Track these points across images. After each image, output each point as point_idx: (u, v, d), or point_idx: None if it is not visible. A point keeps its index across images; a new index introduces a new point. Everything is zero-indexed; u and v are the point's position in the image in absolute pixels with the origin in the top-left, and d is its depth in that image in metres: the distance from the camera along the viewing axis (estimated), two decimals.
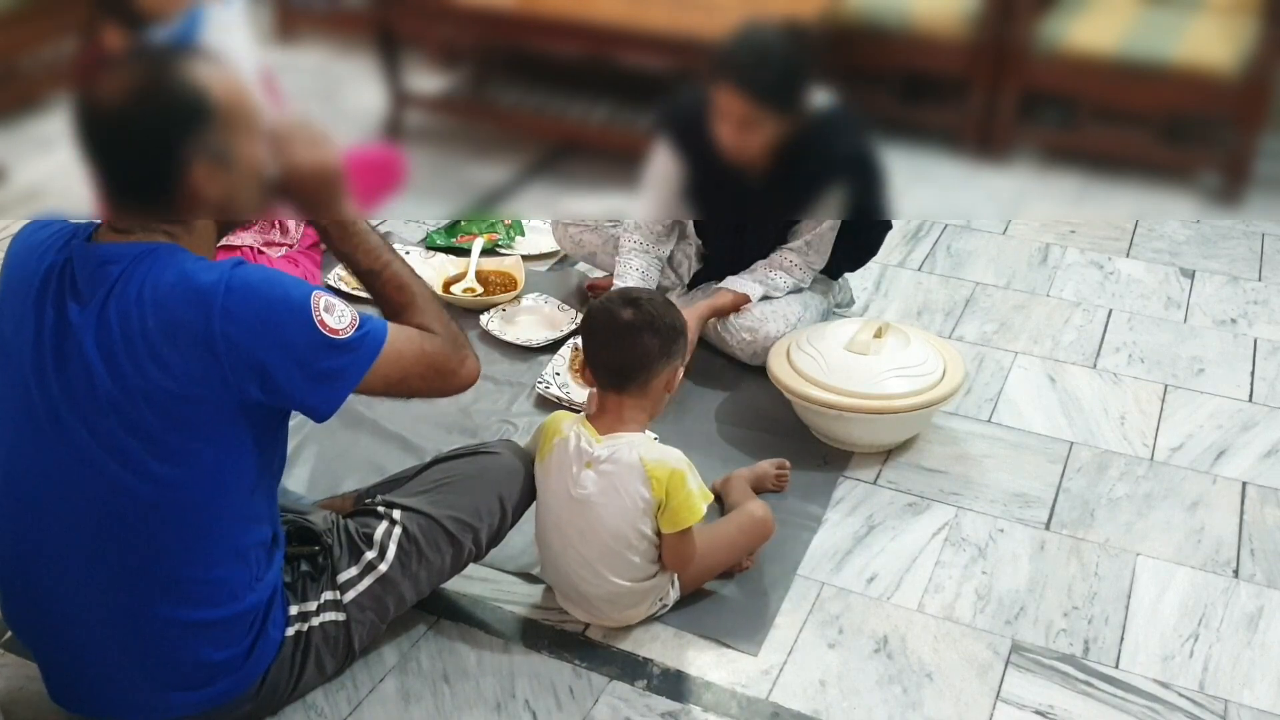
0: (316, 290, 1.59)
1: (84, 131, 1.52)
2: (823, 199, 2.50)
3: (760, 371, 2.57)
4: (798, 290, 2.69)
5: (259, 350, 1.53)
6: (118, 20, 2.43)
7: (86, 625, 1.63)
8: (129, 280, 1.52)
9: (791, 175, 2.49)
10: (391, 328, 1.66)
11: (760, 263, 2.66)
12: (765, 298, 2.64)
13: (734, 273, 2.69)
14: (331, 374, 1.59)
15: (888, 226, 2.79)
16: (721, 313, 2.65)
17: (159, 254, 1.55)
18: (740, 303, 2.64)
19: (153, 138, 1.50)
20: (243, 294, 1.52)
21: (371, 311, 1.71)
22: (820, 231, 2.61)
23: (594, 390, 1.99)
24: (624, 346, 1.89)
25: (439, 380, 1.71)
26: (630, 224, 2.71)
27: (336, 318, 1.59)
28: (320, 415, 1.62)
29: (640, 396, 1.92)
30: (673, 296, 2.74)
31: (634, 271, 2.67)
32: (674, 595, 2.02)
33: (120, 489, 1.56)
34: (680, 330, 1.94)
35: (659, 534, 1.91)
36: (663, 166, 2.60)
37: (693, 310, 2.60)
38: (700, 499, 1.89)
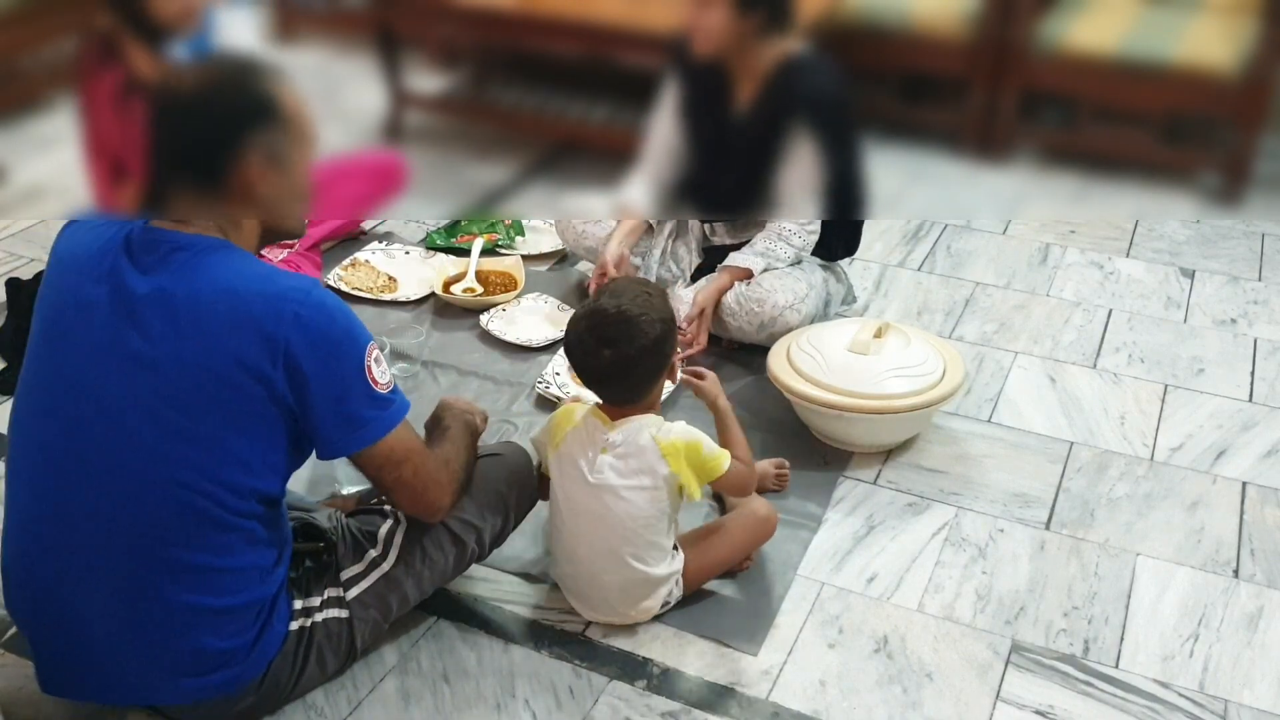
0: (372, 340, 1.69)
1: (158, 103, 1.61)
2: (794, 138, 2.52)
3: (760, 371, 2.57)
4: (798, 261, 2.70)
5: (308, 365, 1.59)
6: (137, 32, 2.44)
7: (94, 605, 1.64)
8: (201, 266, 1.59)
9: (765, 107, 2.55)
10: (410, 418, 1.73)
11: (757, 236, 2.69)
12: (767, 269, 2.67)
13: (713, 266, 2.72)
14: (358, 421, 1.67)
15: (865, 202, 2.77)
16: (727, 290, 2.67)
17: (233, 250, 1.63)
18: (743, 276, 2.66)
19: (222, 119, 1.59)
20: (318, 309, 1.61)
21: (368, 316, 1.72)
22: (801, 181, 2.57)
23: None
24: (616, 380, 1.92)
25: (422, 489, 1.78)
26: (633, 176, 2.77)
27: (380, 371, 1.68)
28: (327, 452, 1.70)
29: (645, 401, 1.96)
30: (675, 289, 2.76)
31: (635, 187, 2.74)
32: (678, 594, 2.02)
33: (154, 469, 1.58)
34: (669, 322, 1.93)
35: (675, 516, 1.96)
36: (668, 99, 2.70)
37: (700, 298, 2.65)
38: (721, 455, 1.94)
